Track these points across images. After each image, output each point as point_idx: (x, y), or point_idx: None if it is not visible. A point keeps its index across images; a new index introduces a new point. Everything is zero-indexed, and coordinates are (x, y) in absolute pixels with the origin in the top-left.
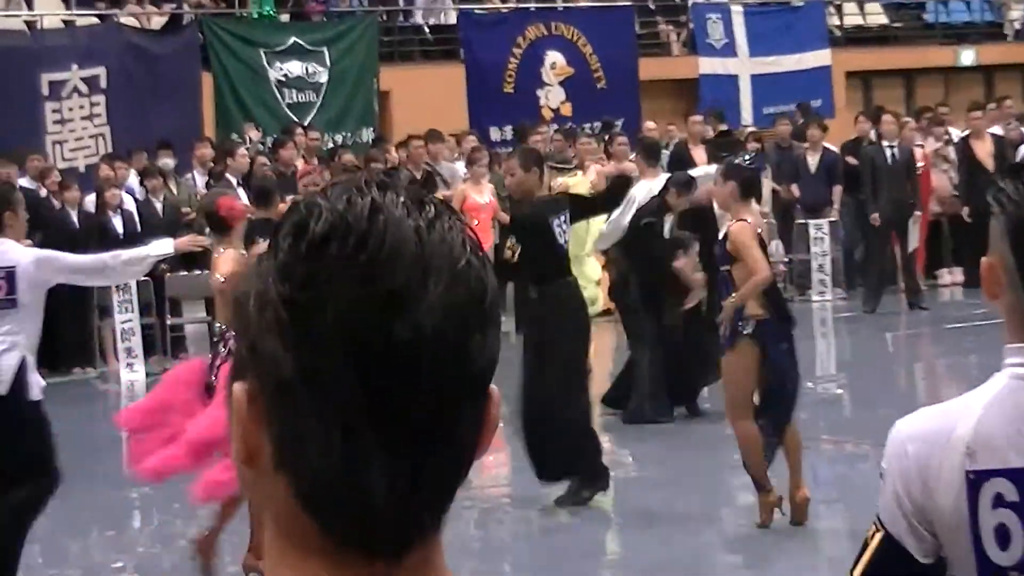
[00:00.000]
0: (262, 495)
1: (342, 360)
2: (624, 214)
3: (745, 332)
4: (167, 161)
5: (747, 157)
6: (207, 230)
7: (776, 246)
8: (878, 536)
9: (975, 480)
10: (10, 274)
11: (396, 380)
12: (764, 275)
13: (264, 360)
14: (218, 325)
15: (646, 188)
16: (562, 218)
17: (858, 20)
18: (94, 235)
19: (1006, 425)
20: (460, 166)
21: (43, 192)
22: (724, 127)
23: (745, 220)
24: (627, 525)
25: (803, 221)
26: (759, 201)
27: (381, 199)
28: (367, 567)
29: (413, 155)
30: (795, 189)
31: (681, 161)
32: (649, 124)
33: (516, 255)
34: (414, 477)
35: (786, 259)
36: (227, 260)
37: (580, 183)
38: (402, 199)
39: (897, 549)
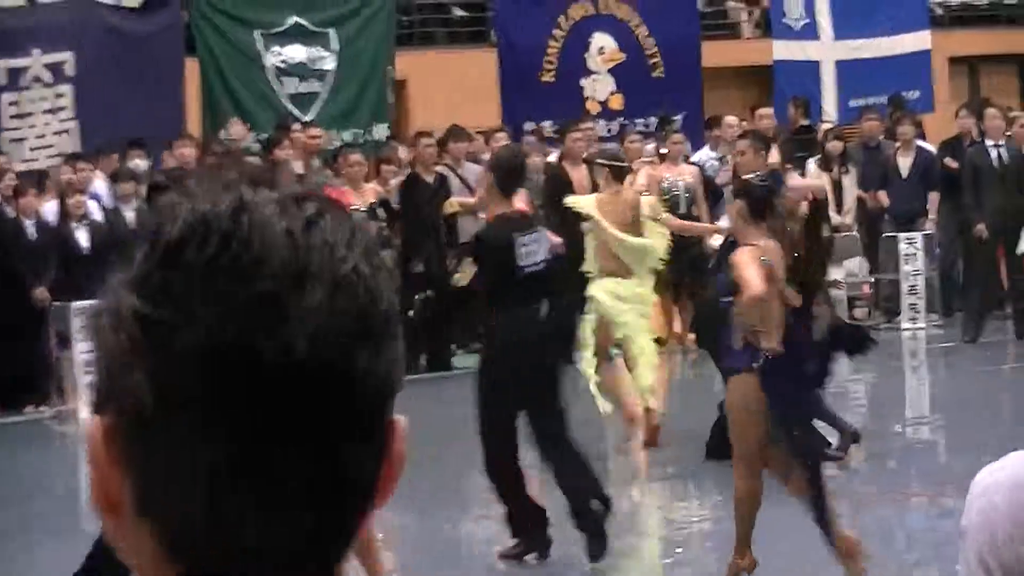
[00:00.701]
0: (128, 547)
1: (204, 387)
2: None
3: (754, 364)
4: (139, 163)
5: (761, 174)
6: None
7: (860, 264)
8: None
9: None
10: None
11: (266, 409)
12: (755, 290)
13: (117, 389)
14: None
15: None
16: (530, 237)
17: None
18: (54, 250)
19: None
20: None
21: None
22: (806, 122)
23: (755, 245)
24: None
25: (892, 234)
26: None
27: (250, 196)
28: None
29: (422, 155)
30: (884, 196)
31: None
32: (730, 119)
33: (468, 279)
34: (295, 527)
35: (871, 279)
36: None
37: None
38: (276, 196)
39: None
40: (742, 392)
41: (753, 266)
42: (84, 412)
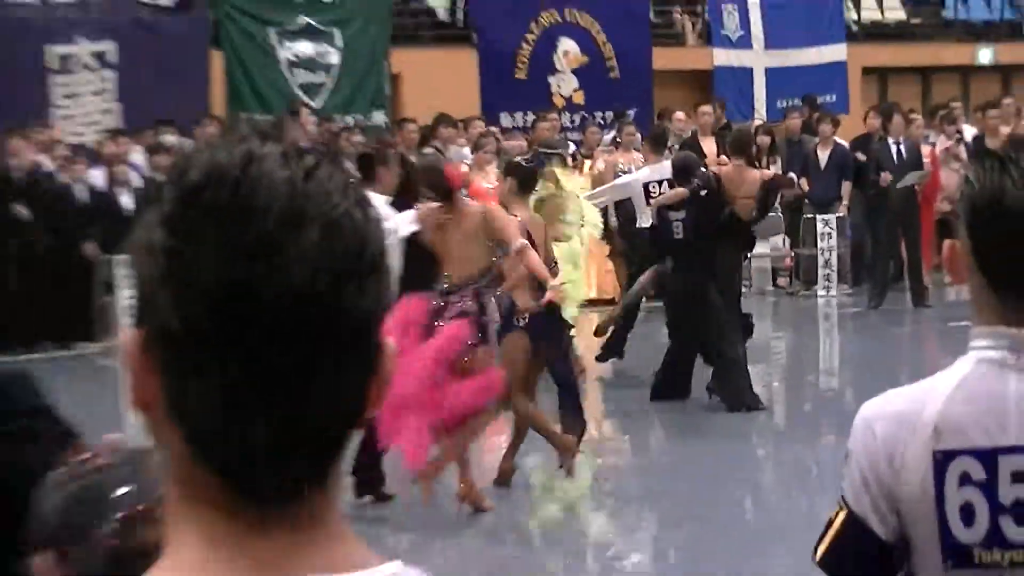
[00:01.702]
0: (160, 440)
1: (216, 309)
2: (616, 191)
3: (520, 325)
4: (170, 138)
5: (527, 156)
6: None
7: (783, 240)
8: (842, 515)
9: (942, 460)
10: None
11: (267, 330)
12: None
13: (151, 309)
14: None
15: (645, 172)
16: None
17: (876, 15)
18: (103, 211)
19: (973, 407)
20: (468, 151)
21: (49, 166)
22: (724, 120)
23: (515, 216)
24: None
25: (811, 216)
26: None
27: (259, 149)
28: (255, 515)
29: (405, 138)
30: (804, 183)
31: (693, 152)
32: (679, 114)
33: None
34: (291, 428)
35: (792, 253)
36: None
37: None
38: (281, 149)
39: (861, 528)
40: (513, 347)
41: (513, 224)
42: None
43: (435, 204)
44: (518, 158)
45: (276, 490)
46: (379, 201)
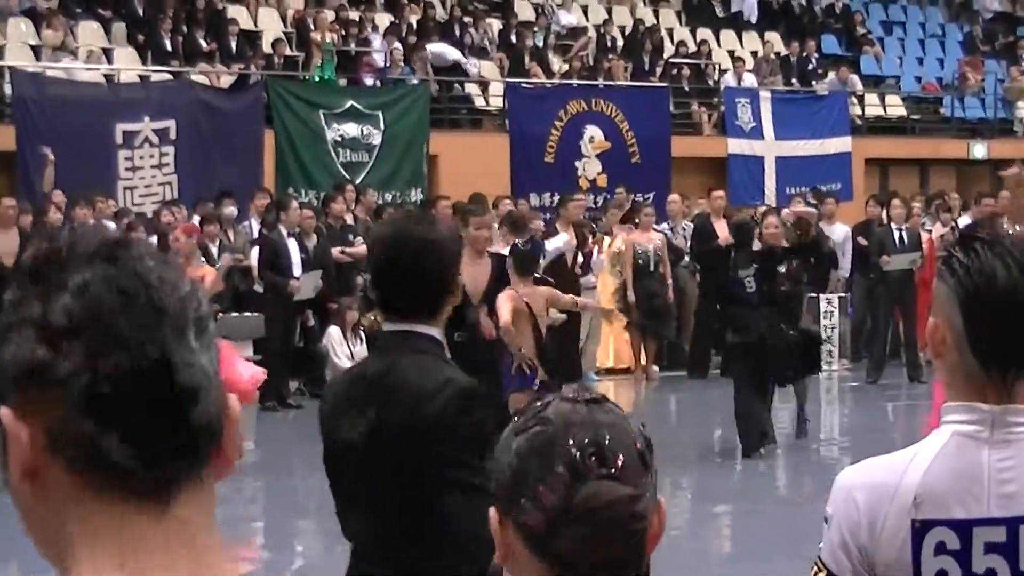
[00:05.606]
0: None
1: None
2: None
3: (534, 387)
4: (231, 209)
5: (526, 240)
6: None
7: None
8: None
9: (920, 529)
10: None
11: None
12: (503, 319)
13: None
14: None
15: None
16: None
17: (879, 111)
18: None
19: (951, 479)
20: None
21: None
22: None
23: (515, 291)
24: None
25: (815, 295)
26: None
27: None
28: (132, 512)
29: (440, 214)
30: None
31: (704, 232)
32: (674, 196)
33: None
34: (165, 464)
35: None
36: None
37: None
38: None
39: None
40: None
41: (508, 304)
42: None
43: None
44: (517, 242)
45: (148, 483)
46: None
